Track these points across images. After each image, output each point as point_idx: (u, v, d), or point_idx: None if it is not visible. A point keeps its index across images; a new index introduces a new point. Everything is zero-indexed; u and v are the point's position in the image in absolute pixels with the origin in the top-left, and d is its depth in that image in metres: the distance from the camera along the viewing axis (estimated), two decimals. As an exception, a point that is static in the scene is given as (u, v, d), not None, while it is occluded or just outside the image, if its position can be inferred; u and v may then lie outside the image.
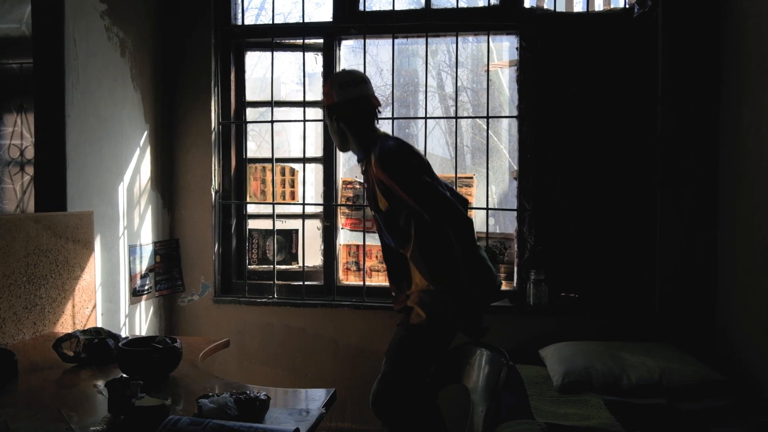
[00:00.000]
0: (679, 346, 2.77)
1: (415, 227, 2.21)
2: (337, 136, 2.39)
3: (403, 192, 2.15)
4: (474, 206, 3.30)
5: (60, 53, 2.56)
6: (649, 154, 3.01)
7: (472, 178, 3.32)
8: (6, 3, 2.62)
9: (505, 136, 3.73)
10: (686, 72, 2.93)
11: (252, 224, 3.52)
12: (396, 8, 3.25)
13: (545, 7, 3.21)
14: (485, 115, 3.22)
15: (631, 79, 3.04)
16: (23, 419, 1.49)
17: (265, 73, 3.35)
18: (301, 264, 3.42)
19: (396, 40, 3.28)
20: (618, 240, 3.06)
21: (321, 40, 3.36)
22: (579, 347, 2.67)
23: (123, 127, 2.98)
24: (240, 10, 3.44)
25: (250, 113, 3.60)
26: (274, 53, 3.37)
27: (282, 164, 3.49)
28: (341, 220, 3.40)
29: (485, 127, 3.24)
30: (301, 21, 3.33)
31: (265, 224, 3.48)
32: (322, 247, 3.40)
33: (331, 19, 3.32)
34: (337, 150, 3.37)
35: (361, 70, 3.23)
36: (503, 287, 3.25)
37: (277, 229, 3.41)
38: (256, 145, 4.49)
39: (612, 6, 3.23)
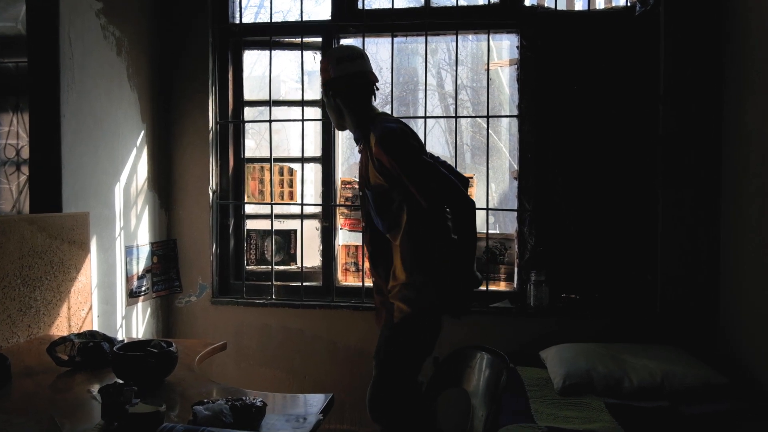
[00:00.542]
0: (681, 348, 2.74)
1: (408, 213, 2.17)
2: (333, 113, 2.34)
3: (403, 173, 2.10)
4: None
5: (55, 52, 2.53)
6: (650, 153, 2.99)
7: (472, 178, 3.29)
8: (1, 1, 2.60)
9: (505, 135, 3.70)
10: (688, 71, 2.91)
11: (250, 224, 3.49)
12: (395, 6, 3.22)
13: (546, 5, 3.18)
14: (485, 114, 3.19)
15: (632, 78, 3.01)
16: (15, 426, 1.46)
17: (265, 71, 3.33)
18: (299, 265, 3.39)
19: (395, 39, 3.26)
20: (619, 240, 3.04)
21: (320, 39, 3.33)
22: (580, 349, 2.65)
23: (119, 127, 2.95)
24: (238, 9, 3.41)
25: (250, 112, 3.57)
26: (273, 52, 3.34)
27: (280, 164, 3.46)
28: (340, 220, 3.38)
29: (485, 126, 3.21)
30: (300, 19, 3.30)
31: (264, 224, 3.45)
32: (321, 248, 3.37)
33: (330, 18, 3.29)
34: (336, 150, 3.35)
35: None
36: (503, 288, 3.23)
37: (275, 230, 3.38)
38: (255, 143, 4.46)
39: (613, 4, 3.20)
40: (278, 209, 3.44)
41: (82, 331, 2.48)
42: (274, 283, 3.32)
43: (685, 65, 2.91)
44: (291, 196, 3.46)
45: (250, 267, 3.45)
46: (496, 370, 1.93)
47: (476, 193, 3.30)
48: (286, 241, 3.46)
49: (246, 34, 3.39)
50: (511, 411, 2.25)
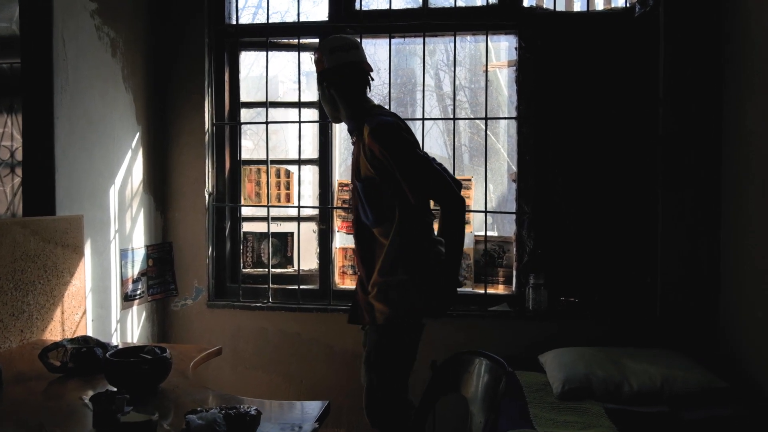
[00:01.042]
0: (681, 352, 2.72)
1: (399, 210, 2.15)
2: (328, 105, 2.31)
3: (395, 165, 2.08)
4: (472, 209, 3.25)
5: (48, 53, 2.49)
6: (650, 155, 2.97)
7: (470, 180, 3.27)
8: (-4, 3, 2.57)
9: (503, 137, 3.67)
10: (688, 71, 2.89)
11: (246, 227, 3.46)
12: (393, 7, 3.19)
13: (545, 6, 3.16)
14: (484, 116, 3.17)
15: (631, 79, 2.99)
16: (4, 436, 1.44)
17: (263, 71, 3.30)
18: (296, 267, 3.36)
19: (394, 40, 3.23)
20: (618, 243, 3.02)
21: (317, 40, 3.30)
22: (579, 353, 2.62)
23: (114, 129, 2.92)
24: (234, 10, 3.38)
25: (247, 113, 3.55)
26: (271, 53, 3.32)
27: (277, 166, 3.44)
28: (337, 222, 3.35)
29: (483, 128, 3.19)
30: (297, 20, 3.27)
31: (260, 227, 3.42)
32: (318, 251, 3.35)
33: (327, 19, 3.26)
34: (333, 152, 3.32)
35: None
36: (501, 291, 3.20)
37: (272, 232, 3.35)
38: (253, 144, 4.43)
39: (613, 5, 3.18)
40: (275, 212, 3.41)
41: (75, 336, 2.46)
42: (271, 286, 3.30)
43: (685, 66, 2.89)
44: (288, 198, 3.43)
45: (247, 270, 3.43)
46: (494, 376, 1.91)
47: (474, 195, 3.28)
48: (283, 243, 3.43)
49: (242, 35, 3.36)
50: (510, 416, 2.23)
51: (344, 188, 3.35)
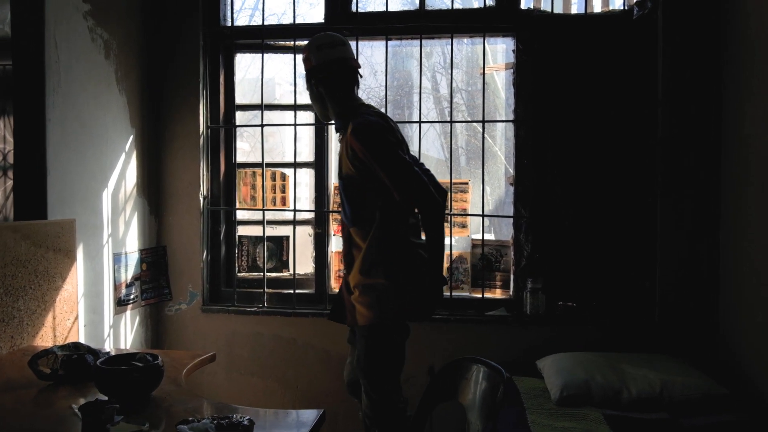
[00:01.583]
0: (681, 357, 2.70)
1: (381, 211, 2.15)
2: (317, 103, 2.31)
3: (376, 164, 2.08)
4: (469, 212, 3.23)
5: (40, 55, 2.46)
6: (648, 158, 2.95)
7: (467, 183, 3.25)
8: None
9: (500, 139, 3.66)
10: (686, 74, 2.87)
11: (241, 231, 3.43)
12: (390, 9, 3.17)
13: (542, 8, 3.14)
14: (481, 119, 3.14)
15: (630, 82, 2.97)
16: (-9, 447, 1.40)
17: (260, 73, 3.27)
18: (292, 272, 3.33)
19: (391, 42, 3.21)
20: (617, 247, 2.99)
21: (312, 42, 3.27)
22: (577, 358, 2.60)
23: (107, 132, 2.88)
24: (229, 11, 3.35)
25: (244, 115, 3.52)
26: (268, 55, 3.29)
27: (273, 169, 3.40)
28: (333, 226, 3.32)
29: (480, 130, 3.17)
30: (293, 22, 3.25)
31: (255, 231, 3.39)
32: (314, 255, 3.32)
33: (323, 20, 3.24)
34: (330, 155, 3.30)
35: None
36: (498, 296, 3.18)
37: (267, 236, 3.32)
38: (250, 146, 4.40)
39: (611, 8, 3.16)
40: (270, 215, 3.38)
41: (67, 341, 2.42)
42: (266, 290, 3.26)
43: (684, 68, 2.87)
44: (283, 201, 3.40)
45: (242, 274, 3.39)
46: (492, 383, 1.88)
47: (471, 199, 3.25)
48: (279, 247, 3.40)
49: (238, 37, 3.33)
50: (508, 422, 2.20)
51: (340, 191, 3.32)
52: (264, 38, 3.26)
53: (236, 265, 3.37)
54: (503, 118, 3.34)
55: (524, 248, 3.07)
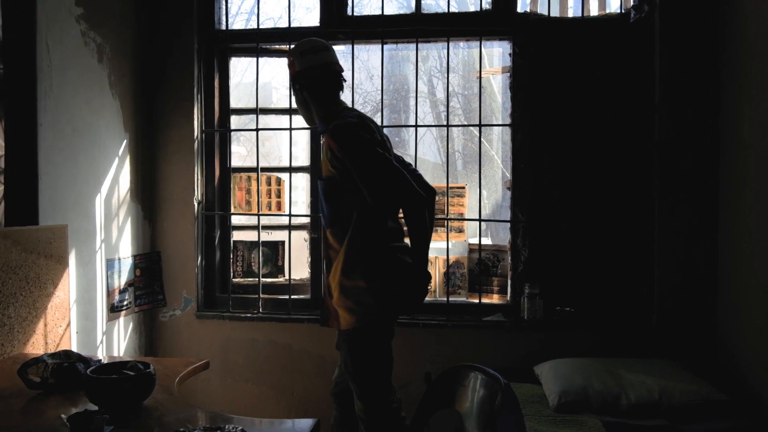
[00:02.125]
0: (679, 362, 2.67)
1: (358, 212, 2.15)
2: (302, 107, 2.35)
3: (350, 164, 2.08)
4: (466, 217, 3.21)
5: (32, 59, 2.43)
6: (646, 161, 2.93)
7: (464, 188, 3.22)
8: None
9: (497, 143, 3.63)
10: (684, 77, 2.86)
11: (237, 236, 3.40)
12: (386, 13, 3.15)
13: (539, 12, 3.12)
14: (477, 123, 3.12)
15: (627, 86, 2.96)
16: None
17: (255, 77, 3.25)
18: (287, 277, 3.30)
19: (386, 46, 3.19)
20: (615, 251, 2.97)
21: (308, 46, 3.25)
22: (575, 364, 2.57)
23: (100, 136, 2.85)
24: (224, 15, 3.33)
25: (240, 119, 3.49)
26: (265, 59, 3.27)
27: (268, 174, 3.38)
28: (329, 231, 3.29)
29: (477, 134, 3.15)
30: (288, 26, 3.23)
31: (251, 236, 3.36)
32: (310, 260, 3.29)
33: (319, 24, 3.22)
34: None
35: (350, 76, 3.14)
36: (496, 301, 3.15)
37: (262, 241, 3.29)
38: (246, 150, 4.37)
39: (608, 11, 3.14)
40: (265, 220, 3.35)
41: (58, 349, 2.39)
42: (261, 296, 3.23)
43: (681, 71, 2.86)
44: (279, 206, 3.37)
45: (237, 279, 3.36)
46: (490, 391, 1.86)
47: (468, 203, 3.23)
48: (274, 252, 3.37)
49: (233, 41, 3.31)
50: (506, 429, 2.17)
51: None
52: (259, 42, 3.24)
53: (231, 270, 3.34)
54: (500, 122, 3.32)
55: (521, 253, 3.05)
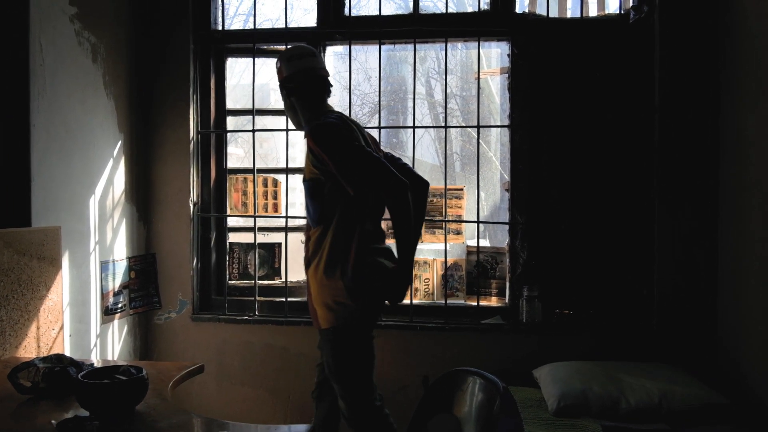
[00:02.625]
0: (679, 366, 2.65)
1: (339, 212, 2.15)
2: (289, 112, 2.38)
3: (330, 160, 2.08)
4: (464, 219, 3.18)
5: (25, 59, 2.40)
6: (646, 163, 2.91)
7: (462, 189, 3.20)
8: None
9: (495, 145, 3.61)
10: (683, 78, 2.84)
11: (233, 238, 3.37)
12: (383, 13, 3.13)
13: (537, 12, 3.10)
14: (476, 124, 3.10)
15: (627, 87, 2.94)
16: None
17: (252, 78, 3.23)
18: (284, 279, 3.27)
19: (385, 47, 3.17)
20: (614, 254, 2.95)
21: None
22: (575, 368, 2.55)
23: (95, 137, 2.82)
24: (221, 15, 3.30)
25: (238, 120, 3.46)
26: (262, 60, 3.24)
27: (264, 175, 3.35)
28: (326, 233, 3.26)
29: (475, 136, 3.12)
30: (285, 26, 3.20)
31: (247, 238, 3.33)
32: (306, 262, 3.25)
33: (316, 25, 3.19)
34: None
35: (348, 77, 3.12)
36: (494, 304, 3.13)
37: (258, 243, 3.26)
38: (244, 152, 4.34)
39: (607, 12, 3.12)
40: (262, 222, 3.32)
41: (51, 352, 2.36)
42: (258, 298, 3.20)
43: (681, 72, 2.84)
44: (275, 208, 3.34)
45: (233, 282, 3.33)
46: (488, 395, 1.83)
47: (466, 205, 3.20)
48: (270, 254, 3.34)
49: (229, 41, 3.28)
50: (504, 433, 2.15)
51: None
52: (255, 42, 3.21)
53: (227, 272, 3.31)
54: (498, 123, 3.30)
55: (520, 255, 3.03)
